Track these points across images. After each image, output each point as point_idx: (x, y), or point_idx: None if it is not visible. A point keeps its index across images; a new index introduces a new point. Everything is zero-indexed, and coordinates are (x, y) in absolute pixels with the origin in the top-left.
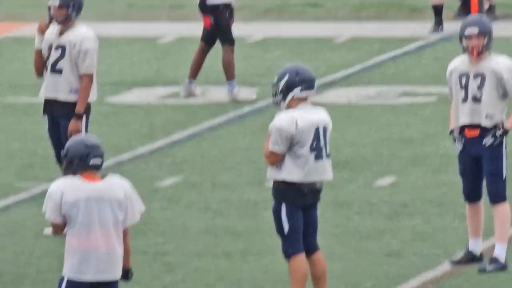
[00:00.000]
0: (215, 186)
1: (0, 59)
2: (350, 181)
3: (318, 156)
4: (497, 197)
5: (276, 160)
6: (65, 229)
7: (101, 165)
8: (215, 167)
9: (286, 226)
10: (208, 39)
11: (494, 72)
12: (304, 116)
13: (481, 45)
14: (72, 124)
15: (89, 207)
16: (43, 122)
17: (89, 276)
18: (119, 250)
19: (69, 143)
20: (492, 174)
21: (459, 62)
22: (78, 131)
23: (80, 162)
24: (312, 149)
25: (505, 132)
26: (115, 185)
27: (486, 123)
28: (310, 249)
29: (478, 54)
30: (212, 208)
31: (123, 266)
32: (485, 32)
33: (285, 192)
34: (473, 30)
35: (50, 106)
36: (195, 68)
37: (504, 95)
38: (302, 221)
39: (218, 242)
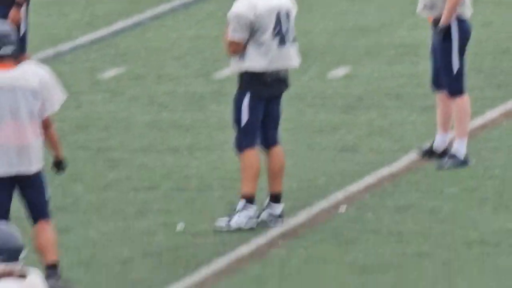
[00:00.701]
0: (161, 78)
1: None
2: (302, 72)
3: (282, 42)
4: (451, 91)
5: (237, 49)
6: None
7: (13, 54)
8: (160, 58)
9: (245, 117)
10: None
11: None
12: (263, 1)
13: None
14: (12, 13)
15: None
16: None
17: (2, 170)
18: (35, 143)
19: None
20: (443, 67)
21: None
22: (18, 19)
23: None
24: (274, 34)
25: (444, 29)
26: (28, 72)
27: (424, 13)
28: (270, 142)
29: None
30: (157, 101)
31: (54, 157)
32: None
33: (250, 82)
34: None
35: None
36: None
37: None
38: (262, 114)
39: (163, 137)
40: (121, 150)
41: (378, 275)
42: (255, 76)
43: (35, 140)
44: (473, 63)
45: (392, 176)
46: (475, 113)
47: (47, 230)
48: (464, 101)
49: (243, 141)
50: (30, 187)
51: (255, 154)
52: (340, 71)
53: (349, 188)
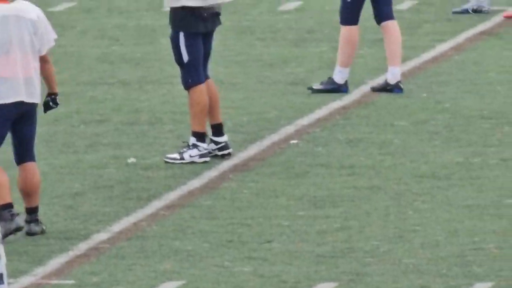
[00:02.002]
0: (111, 11)
1: None
2: (253, 5)
3: None
4: (341, 20)
5: None
6: None
7: None
8: None
9: (185, 56)
10: None
11: None
12: None
13: None
14: None
15: (6, 24)
16: None
17: (11, 99)
18: (36, 76)
19: None
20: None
21: None
22: None
23: None
24: None
25: None
26: (27, 6)
27: None
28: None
29: None
30: (108, 35)
31: (50, 91)
32: None
33: (185, 19)
34: None
35: None
36: None
37: None
38: (203, 51)
39: (114, 70)
40: (71, 83)
41: (329, 209)
42: (191, 12)
43: (36, 74)
44: None
45: (343, 110)
46: (426, 47)
47: (36, 174)
48: (350, 31)
49: (189, 78)
50: (29, 122)
51: (202, 90)
52: (291, 5)
53: (300, 121)
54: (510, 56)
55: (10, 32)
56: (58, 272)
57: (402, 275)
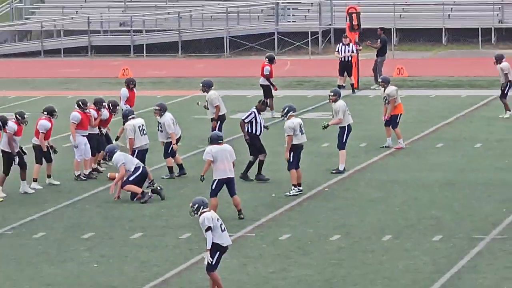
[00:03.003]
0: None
1: None
2: (317, 139)
3: (302, 133)
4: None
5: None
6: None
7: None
8: None
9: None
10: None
11: None
12: (296, 120)
13: None
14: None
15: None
16: None
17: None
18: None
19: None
20: None
21: None
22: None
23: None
24: (300, 131)
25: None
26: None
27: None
28: None
29: None
30: None
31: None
32: None
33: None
34: None
35: None
36: None
37: None
38: (297, 158)
39: None
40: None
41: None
42: (295, 146)
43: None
44: None
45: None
46: None
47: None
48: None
49: (290, 166)
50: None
51: (296, 171)
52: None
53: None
54: None
55: (225, 154)
56: None
57: None
